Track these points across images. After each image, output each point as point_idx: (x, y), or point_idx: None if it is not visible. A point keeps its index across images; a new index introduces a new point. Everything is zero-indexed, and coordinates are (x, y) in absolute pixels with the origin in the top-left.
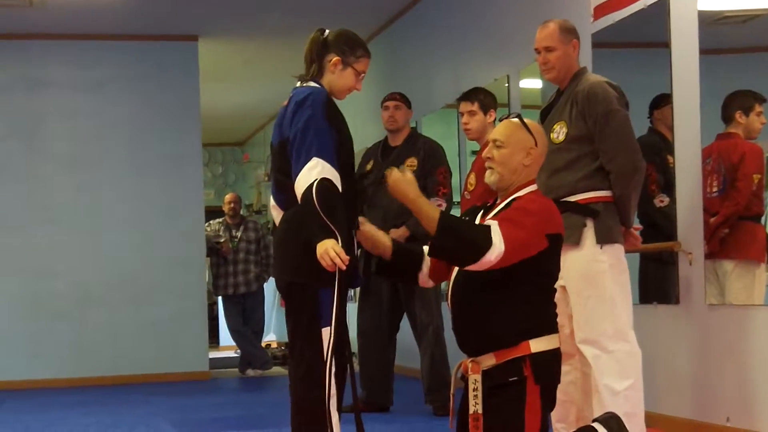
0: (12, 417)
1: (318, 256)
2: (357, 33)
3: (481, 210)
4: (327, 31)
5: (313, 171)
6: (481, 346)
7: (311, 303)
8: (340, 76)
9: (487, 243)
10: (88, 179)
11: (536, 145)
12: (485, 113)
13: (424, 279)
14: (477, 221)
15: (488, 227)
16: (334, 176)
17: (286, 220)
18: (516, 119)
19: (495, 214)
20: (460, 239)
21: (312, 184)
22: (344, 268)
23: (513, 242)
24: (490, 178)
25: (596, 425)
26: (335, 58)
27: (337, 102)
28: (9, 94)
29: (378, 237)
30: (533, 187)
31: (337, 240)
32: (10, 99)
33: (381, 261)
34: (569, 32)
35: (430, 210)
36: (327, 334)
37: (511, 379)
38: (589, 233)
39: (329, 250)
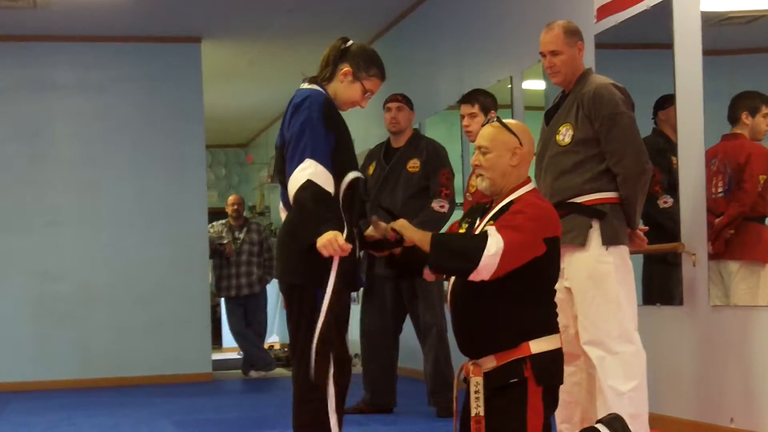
0: (16, 419)
1: (318, 246)
2: (360, 34)
3: (481, 211)
4: (351, 42)
5: (305, 172)
6: (482, 348)
7: (310, 304)
8: (347, 87)
9: (483, 244)
10: (92, 180)
11: (521, 144)
12: (486, 115)
13: (428, 273)
14: (477, 222)
15: (485, 232)
16: (327, 178)
17: (287, 222)
18: (496, 122)
19: (492, 216)
20: (454, 249)
21: (301, 186)
22: (344, 254)
23: (512, 245)
24: (481, 184)
25: (600, 426)
26: (347, 68)
27: None
28: (13, 96)
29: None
30: (530, 187)
31: (341, 231)
32: (14, 100)
33: (390, 257)
34: (574, 34)
35: (423, 236)
36: (319, 332)
37: (512, 381)
38: (595, 234)
39: (333, 242)
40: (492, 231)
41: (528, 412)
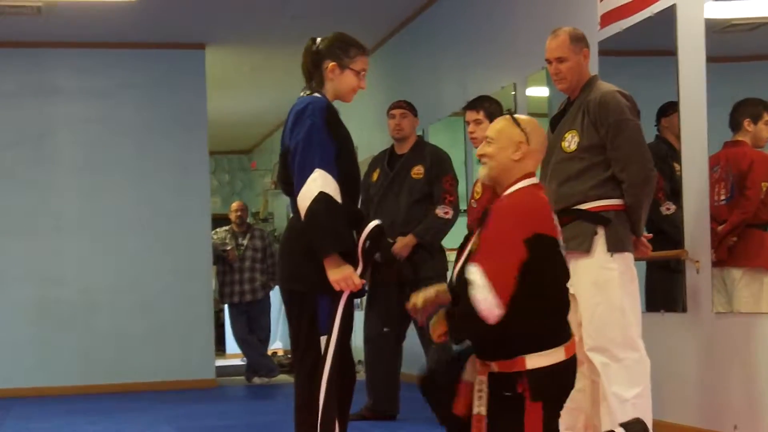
0: (18, 424)
1: (332, 280)
2: (364, 41)
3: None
4: (318, 39)
5: (316, 183)
6: (481, 356)
7: (310, 310)
8: (341, 80)
9: (473, 302)
10: (96, 186)
11: (527, 140)
12: (491, 121)
13: None
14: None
15: (468, 281)
16: (335, 188)
17: (289, 228)
18: (508, 116)
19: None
20: (461, 317)
21: (315, 198)
22: (355, 290)
23: (494, 275)
24: (482, 171)
25: (619, 430)
26: (331, 64)
27: (343, 109)
28: (17, 101)
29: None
30: (529, 181)
31: (350, 256)
32: (19, 106)
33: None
34: (580, 41)
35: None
36: (324, 341)
37: (506, 394)
38: (599, 241)
39: (348, 281)
40: (473, 273)
41: (525, 422)
